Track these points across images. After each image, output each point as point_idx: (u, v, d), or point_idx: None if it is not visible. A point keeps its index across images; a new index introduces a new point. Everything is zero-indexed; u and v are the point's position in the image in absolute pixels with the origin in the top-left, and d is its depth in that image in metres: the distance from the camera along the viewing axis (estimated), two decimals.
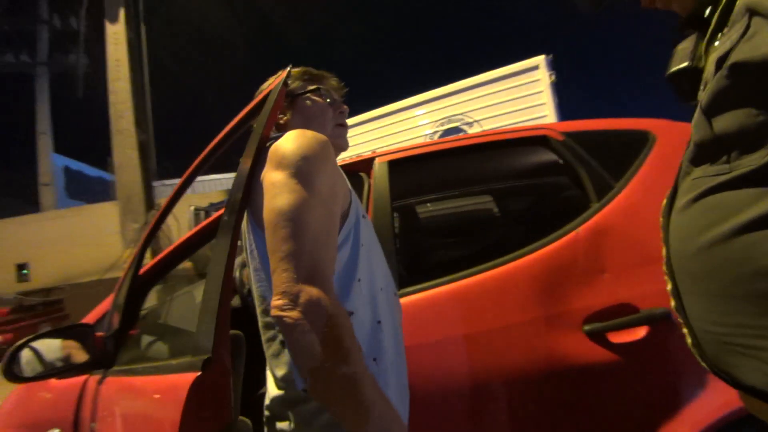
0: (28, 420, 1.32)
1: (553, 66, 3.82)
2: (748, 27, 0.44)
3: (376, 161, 1.28)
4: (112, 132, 5.85)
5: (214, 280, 0.62)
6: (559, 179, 1.26)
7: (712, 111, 0.48)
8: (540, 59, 3.86)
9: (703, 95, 0.49)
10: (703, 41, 0.53)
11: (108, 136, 5.94)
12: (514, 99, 3.98)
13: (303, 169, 0.60)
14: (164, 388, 0.72)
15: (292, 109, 0.82)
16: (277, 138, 0.68)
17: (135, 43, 5.80)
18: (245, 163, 0.68)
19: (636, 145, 1.18)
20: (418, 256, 1.44)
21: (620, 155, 1.16)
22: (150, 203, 5.73)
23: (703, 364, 0.51)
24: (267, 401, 0.70)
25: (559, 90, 3.87)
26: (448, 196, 1.53)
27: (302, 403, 0.63)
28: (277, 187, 0.59)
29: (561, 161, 1.20)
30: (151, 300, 1.69)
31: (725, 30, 0.48)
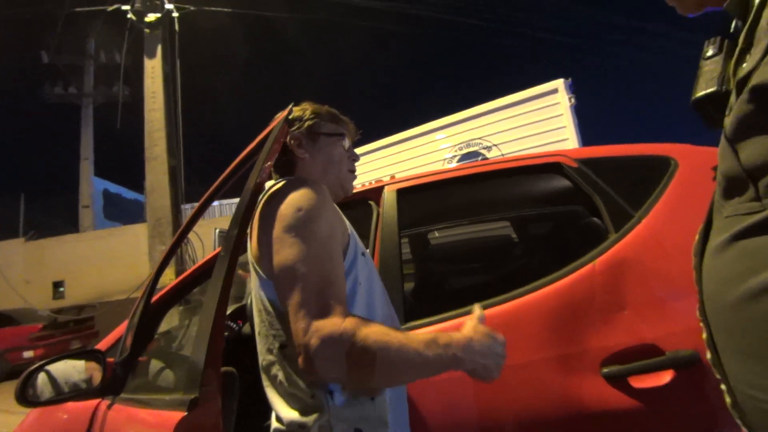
0: None
1: (573, 89, 3.77)
2: None
3: (386, 189, 1.27)
4: (147, 158, 6.19)
5: (206, 316, 0.61)
6: (573, 209, 1.21)
7: (736, 139, 0.43)
8: (559, 82, 3.82)
9: (728, 121, 0.45)
10: (731, 61, 0.48)
11: (143, 161, 6.29)
12: (534, 123, 3.94)
13: (300, 221, 0.63)
14: (158, 423, 0.72)
15: (314, 145, 0.82)
16: (279, 182, 0.72)
17: (170, 76, 6.20)
18: (243, 200, 0.69)
19: (656, 171, 1.12)
20: (425, 288, 1.40)
21: (640, 183, 1.11)
22: (178, 226, 5.95)
23: (744, 430, 0.44)
24: None
25: (581, 114, 3.80)
26: (457, 226, 1.49)
27: None
28: (277, 242, 0.63)
29: (575, 189, 1.16)
30: (171, 323, 1.72)
31: (752, 50, 0.43)
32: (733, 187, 0.45)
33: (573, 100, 3.74)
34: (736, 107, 0.43)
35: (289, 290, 0.60)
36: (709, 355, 0.49)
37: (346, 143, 0.86)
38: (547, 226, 1.45)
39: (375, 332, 0.57)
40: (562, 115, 3.76)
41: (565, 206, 1.28)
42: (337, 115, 0.86)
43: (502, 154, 4.05)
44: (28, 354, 6.33)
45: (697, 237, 0.52)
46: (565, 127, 3.73)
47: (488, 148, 4.22)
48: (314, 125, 0.82)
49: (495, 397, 0.88)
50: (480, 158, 4.19)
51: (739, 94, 0.43)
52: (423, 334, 0.58)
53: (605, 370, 0.85)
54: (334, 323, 0.56)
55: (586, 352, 0.87)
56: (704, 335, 0.49)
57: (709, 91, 0.51)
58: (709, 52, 0.53)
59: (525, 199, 1.35)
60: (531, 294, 0.96)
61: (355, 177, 0.88)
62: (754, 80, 0.40)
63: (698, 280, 0.50)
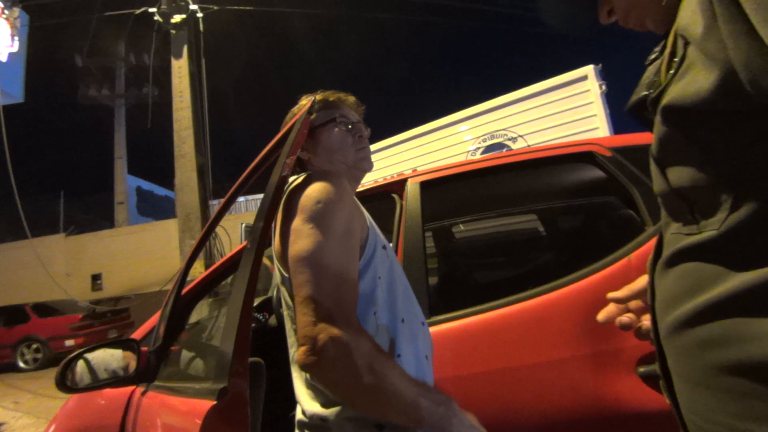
0: (83, 424, 1.41)
1: (604, 76, 3.61)
2: (683, 59, 0.36)
3: (409, 182, 1.25)
4: (175, 156, 6.41)
5: (234, 308, 0.62)
6: (608, 200, 1.15)
7: (662, 161, 0.40)
8: (588, 69, 3.66)
9: (653, 139, 0.42)
10: (662, 66, 0.43)
11: (173, 159, 6.51)
12: (562, 112, 3.80)
13: (318, 213, 0.62)
14: (189, 410, 0.73)
15: (312, 142, 0.80)
16: (300, 176, 0.71)
17: (196, 75, 6.37)
18: (267, 193, 0.69)
19: None
20: (451, 282, 1.38)
21: None
22: (206, 221, 6.14)
23: None
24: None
25: (613, 101, 3.64)
26: (483, 219, 1.45)
27: (321, 430, 0.63)
28: (295, 233, 0.63)
29: (609, 180, 1.10)
30: (202, 313, 1.77)
31: (674, 59, 0.39)
32: (671, 208, 0.42)
33: (604, 87, 3.58)
34: (655, 127, 0.40)
35: (302, 280, 0.58)
36: (661, 382, 0.46)
37: (344, 124, 0.80)
38: (580, 219, 1.39)
39: (382, 353, 0.57)
40: (592, 103, 3.61)
41: (599, 198, 1.22)
42: (326, 99, 0.81)
43: (528, 146, 3.93)
44: (69, 342, 6.74)
45: (652, 252, 0.48)
46: (595, 115, 3.58)
47: (513, 140, 4.11)
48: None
49: (525, 396, 0.85)
50: (505, 150, 4.08)
51: (655, 113, 0.39)
52: (418, 380, 0.59)
53: (641, 369, 0.80)
54: (347, 325, 0.55)
55: (621, 350, 0.83)
56: (657, 360, 0.46)
57: (640, 96, 0.45)
58: (653, 55, 0.48)
59: (555, 190, 1.30)
60: (563, 289, 0.92)
61: (367, 153, 0.83)
62: (664, 100, 0.37)
63: (651, 298, 0.46)
